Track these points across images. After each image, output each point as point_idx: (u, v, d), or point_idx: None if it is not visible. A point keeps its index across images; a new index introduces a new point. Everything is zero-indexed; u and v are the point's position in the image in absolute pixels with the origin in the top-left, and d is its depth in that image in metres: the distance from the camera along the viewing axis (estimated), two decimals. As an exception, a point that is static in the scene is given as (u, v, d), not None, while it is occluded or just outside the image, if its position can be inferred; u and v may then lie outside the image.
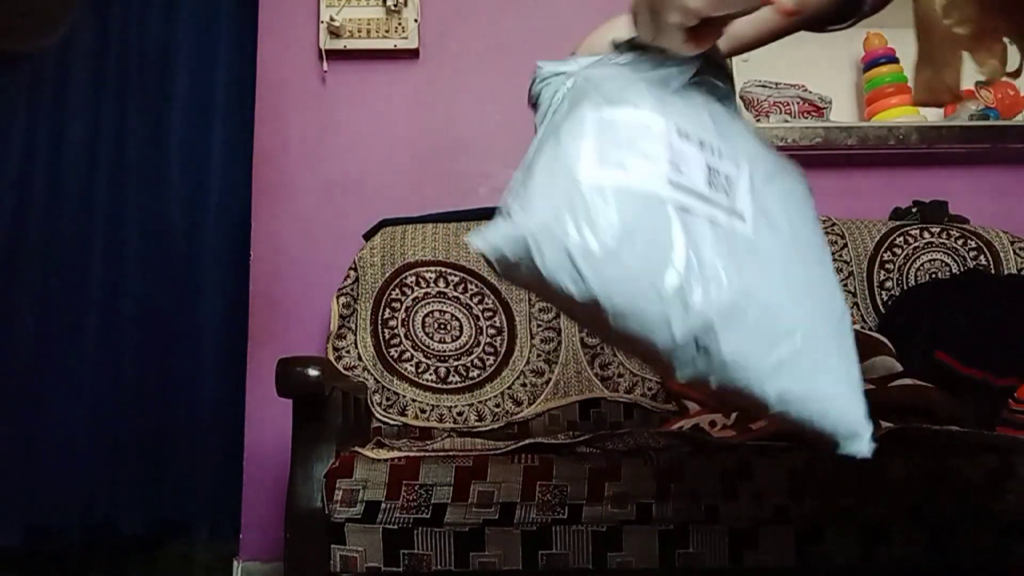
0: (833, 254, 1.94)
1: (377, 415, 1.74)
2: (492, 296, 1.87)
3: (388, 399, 1.76)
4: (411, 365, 1.79)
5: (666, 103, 0.75)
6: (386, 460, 1.25)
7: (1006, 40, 0.72)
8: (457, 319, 1.84)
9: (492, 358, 1.82)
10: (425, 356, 1.81)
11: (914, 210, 2.05)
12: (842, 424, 0.71)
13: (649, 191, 0.67)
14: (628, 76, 0.76)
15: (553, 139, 0.71)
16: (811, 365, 0.70)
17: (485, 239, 0.68)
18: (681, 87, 0.78)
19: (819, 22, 0.74)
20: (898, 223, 2.00)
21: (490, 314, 1.86)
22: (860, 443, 0.72)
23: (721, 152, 0.72)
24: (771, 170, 0.79)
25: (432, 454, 1.31)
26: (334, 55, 2.13)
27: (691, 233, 0.66)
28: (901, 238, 1.95)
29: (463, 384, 1.79)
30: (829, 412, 0.71)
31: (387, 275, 1.86)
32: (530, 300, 1.88)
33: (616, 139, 0.69)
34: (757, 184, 0.75)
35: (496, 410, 1.77)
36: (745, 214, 0.70)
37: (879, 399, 1.46)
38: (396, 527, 1.21)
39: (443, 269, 1.88)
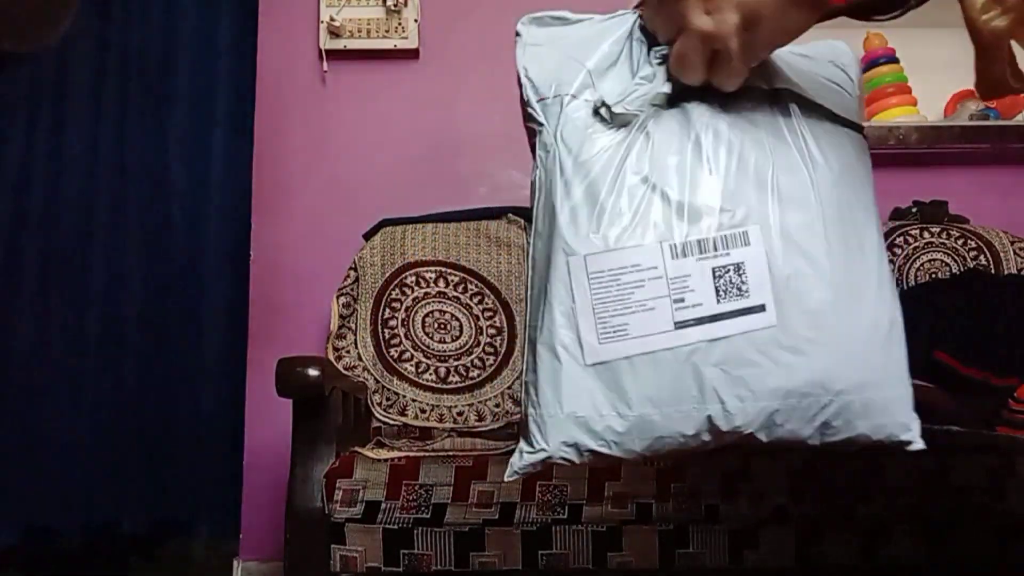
0: (833, 254, 1.94)
1: (377, 415, 1.74)
2: (492, 296, 1.88)
3: (388, 399, 1.76)
4: (411, 365, 1.79)
5: (657, 181, 0.70)
6: (386, 460, 1.25)
7: None
8: (457, 319, 1.84)
9: (492, 358, 1.82)
10: (425, 356, 1.81)
11: (914, 210, 2.05)
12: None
13: (657, 348, 0.66)
14: (612, 154, 0.72)
15: (547, 312, 0.70)
16: (859, 406, 0.69)
17: (514, 470, 0.72)
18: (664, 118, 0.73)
19: (864, 10, 0.74)
20: (898, 223, 2.00)
21: (490, 314, 1.86)
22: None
23: (717, 240, 0.68)
24: (802, 187, 0.72)
25: (432, 454, 1.31)
26: (334, 55, 2.13)
27: (708, 370, 0.66)
28: (901, 238, 1.95)
29: (463, 384, 1.79)
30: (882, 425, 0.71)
31: (387, 275, 1.86)
32: (530, 300, 1.88)
33: (610, 298, 0.67)
34: (785, 220, 0.70)
35: (496, 410, 1.76)
36: (765, 299, 0.67)
37: (879, 399, 1.47)
38: (396, 527, 1.21)
39: (443, 269, 1.88)
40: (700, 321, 0.66)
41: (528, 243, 0.77)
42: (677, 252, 0.67)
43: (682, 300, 0.66)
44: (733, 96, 0.74)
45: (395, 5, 2.10)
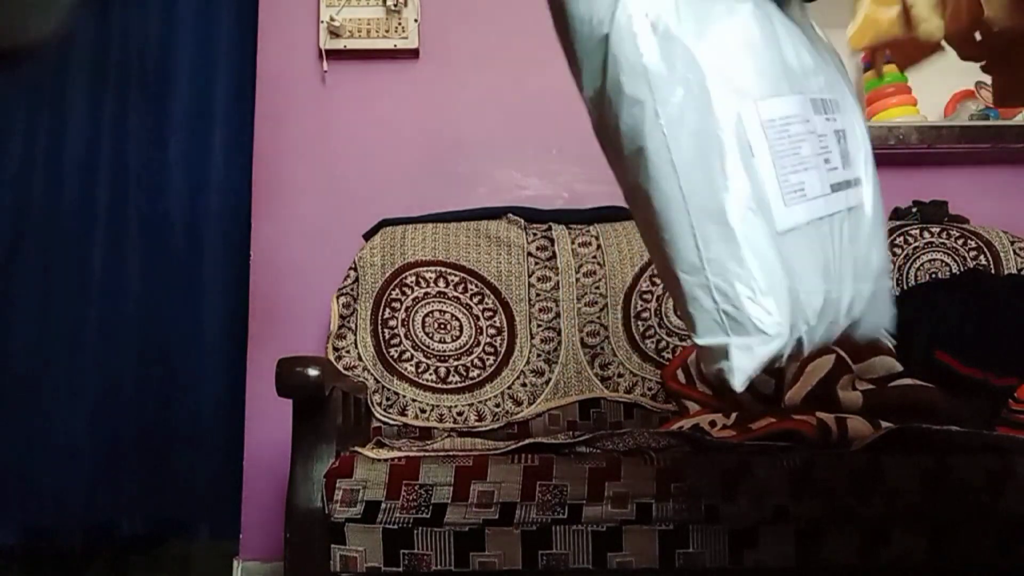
0: (833, 254, 1.93)
1: (377, 415, 1.74)
2: (492, 296, 1.87)
3: (388, 399, 1.76)
4: (411, 365, 1.79)
5: (781, 41, 0.63)
6: (386, 460, 1.25)
7: None
8: (457, 319, 1.84)
9: (492, 358, 1.82)
10: (425, 356, 1.81)
11: (914, 210, 2.05)
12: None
13: (823, 212, 0.59)
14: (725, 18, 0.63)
15: (723, 177, 0.57)
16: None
17: (744, 372, 0.59)
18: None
19: None
20: (898, 223, 2.00)
21: (490, 314, 1.86)
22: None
23: (829, 101, 0.61)
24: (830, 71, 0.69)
25: (432, 454, 1.31)
26: (334, 55, 2.13)
27: (846, 247, 0.60)
28: (901, 238, 1.95)
29: (463, 384, 1.79)
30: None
31: (387, 275, 1.86)
32: (530, 300, 1.88)
33: (783, 153, 0.58)
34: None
35: (496, 410, 1.76)
36: (859, 172, 0.62)
37: (879, 399, 1.47)
38: (396, 527, 1.21)
39: (443, 269, 1.88)
40: (838, 186, 0.59)
41: (643, 116, 0.63)
42: (819, 107, 0.60)
43: (826, 158, 0.59)
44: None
45: (395, 5, 2.10)
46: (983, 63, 0.77)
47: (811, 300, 0.56)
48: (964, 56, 0.79)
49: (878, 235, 0.65)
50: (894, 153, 2.12)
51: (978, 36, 0.74)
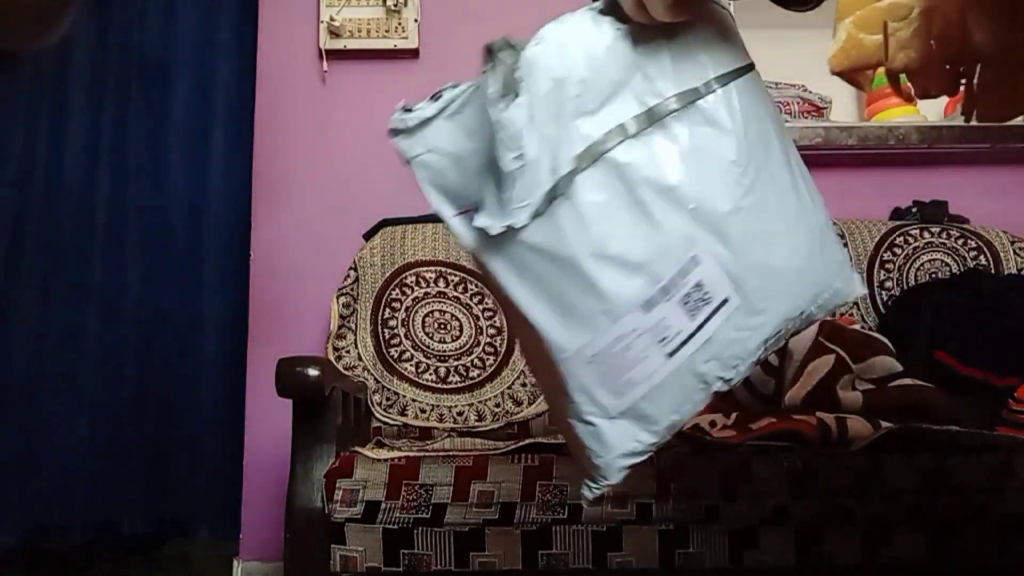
0: (833, 254, 1.93)
1: (377, 415, 1.73)
2: (492, 296, 1.87)
3: (388, 399, 1.76)
4: (411, 365, 1.79)
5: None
6: (386, 460, 1.25)
7: None
8: (457, 319, 1.84)
9: (492, 358, 1.82)
10: (425, 356, 1.81)
11: (914, 210, 2.04)
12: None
13: (661, 379, 0.74)
14: (553, 241, 0.75)
15: (566, 396, 0.75)
16: (816, 308, 0.78)
17: (589, 500, 0.80)
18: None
19: None
20: (898, 223, 1.99)
21: (490, 314, 1.86)
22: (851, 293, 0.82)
23: (680, 269, 0.73)
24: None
25: (432, 454, 1.31)
26: (334, 55, 2.13)
27: (706, 367, 0.75)
28: (901, 238, 1.95)
29: (463, 384, 1.79)
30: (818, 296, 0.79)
31: (387, 275, 1.86)
32: (530, 300, 1.88)
33: (609, 369, 0.73)
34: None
35: (496, 410, 1.76)
36: (727, 293, 0.74)
37: (879, 399, 1.47)
38: (396, 527, 1.21)
39: (443, 269, 1.88)
40: (685, 342, 0.74)
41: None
42: (648, 307, 0.73)
43: (664, 338, 0.73)
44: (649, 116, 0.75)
45: (395, 5, 2.10)
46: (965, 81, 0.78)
47: (647, 440, 0.76)
48: (923, 93, 0.82)
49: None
50: (894, 153, 2.12)
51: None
